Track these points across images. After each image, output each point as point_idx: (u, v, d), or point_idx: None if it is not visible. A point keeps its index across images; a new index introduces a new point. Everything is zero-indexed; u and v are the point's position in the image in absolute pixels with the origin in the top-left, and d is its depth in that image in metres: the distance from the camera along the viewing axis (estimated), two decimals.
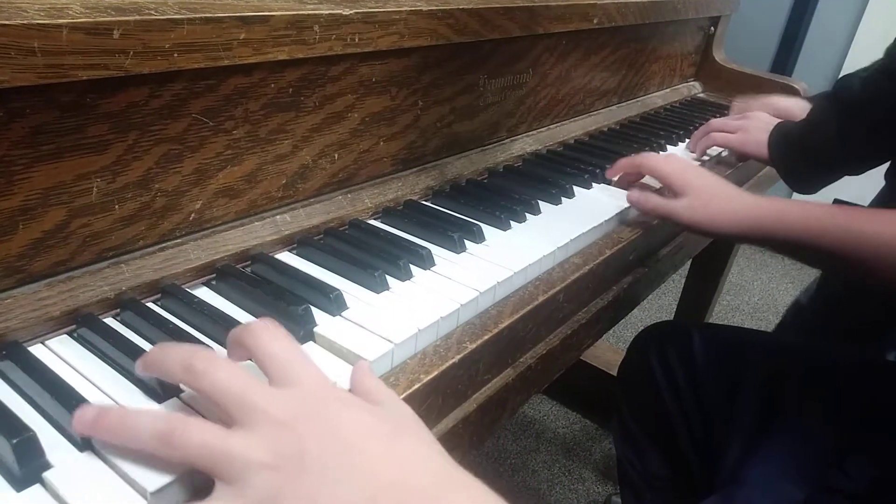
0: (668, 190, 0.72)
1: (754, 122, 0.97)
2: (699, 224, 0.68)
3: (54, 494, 0.33)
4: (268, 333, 0.36)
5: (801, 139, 0.88)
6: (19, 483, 0.33)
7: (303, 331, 0.46)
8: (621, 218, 0.73)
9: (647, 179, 0.79)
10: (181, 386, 0.39)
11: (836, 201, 2.29)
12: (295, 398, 0.33)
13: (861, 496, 0.60)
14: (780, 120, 0.95)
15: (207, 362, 0.34)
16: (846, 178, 0.93)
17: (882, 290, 0.63)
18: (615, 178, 0.82)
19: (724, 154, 1.01)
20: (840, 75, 0.94)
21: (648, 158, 0.75)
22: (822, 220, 0.62)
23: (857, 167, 0.87)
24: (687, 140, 1.05)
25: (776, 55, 2.34)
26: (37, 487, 0.33)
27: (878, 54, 0.86)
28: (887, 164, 0.90)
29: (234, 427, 0.32)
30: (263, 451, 0.31)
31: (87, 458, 0.35)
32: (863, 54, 0.91)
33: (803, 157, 0.88)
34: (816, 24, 2.27)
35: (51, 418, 0.37)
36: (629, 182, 0.80)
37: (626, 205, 0.74)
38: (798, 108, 1.06)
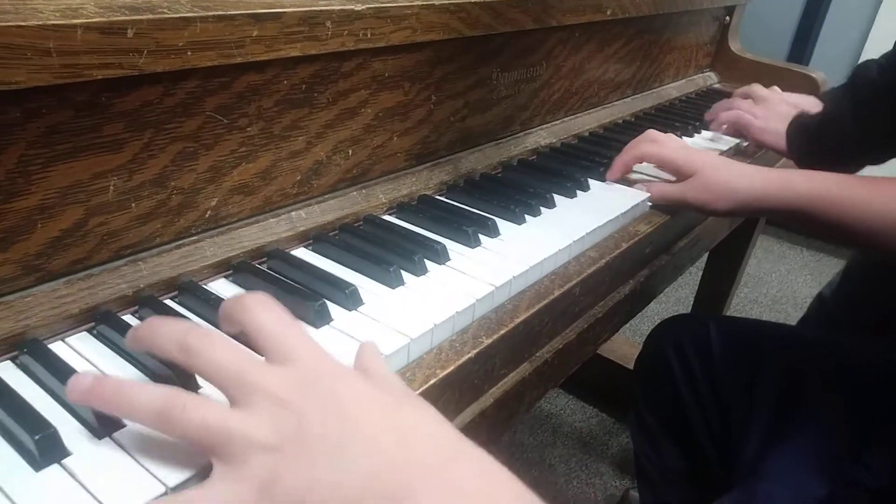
0: (672, 173, 0.73)
1: (775, 110, 0.96)
2: (707, 202, 0.69)
3: (72, 475, 0.33)
4: (261, 307, 0.35)
5: (818, 130, 0.88)
6: (38, 465, 0.34)
7: (319, 326, 0.46)
8: (637, 211, 0.72)
9: (646, 167, 0.79)
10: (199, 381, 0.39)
11: None
12: (293, 374, 0.33)
13: (883, 491, 0.59)
14: (798, 111, 0.94)
15: (203, 339, 0.33)
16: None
17: (890, 261, 0.62)
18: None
19: (744, 145, 1.00)
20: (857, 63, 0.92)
21: (641, 146, 0.75)
22: (831, 190, 0.61)
23: (878, 156, 0.85)
24: (703, 131, 1.04)
25: (792, 44, 2.31)
26: (56, 468, 0.34)
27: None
28: None
29: (233, 406, 0.32)
30: (264, 430, 0.30)
31: (107, 448, 0.35)
32: (881, 42, 0.90)
33: (822, 148, 0.87)
34: (833, 12, 2.24)
35: (72, 409, 0.37)
36: (625, 172, 0.79)
37: (642, 198, 0.73)
38: (810, 104, 1.04)
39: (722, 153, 0.95)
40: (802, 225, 0.68)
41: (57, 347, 0.43)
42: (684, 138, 0.99)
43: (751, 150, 1.00)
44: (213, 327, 0.46)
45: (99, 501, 0.32)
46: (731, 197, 0.68)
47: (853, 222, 0.60)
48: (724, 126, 1.01)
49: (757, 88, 1.06)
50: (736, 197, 0.68)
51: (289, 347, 0.34)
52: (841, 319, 1.12)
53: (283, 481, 0.29)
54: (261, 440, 0.30)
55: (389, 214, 0.66)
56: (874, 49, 1.03)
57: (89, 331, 0.45)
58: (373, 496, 0.29)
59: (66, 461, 0.34)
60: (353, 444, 0.30)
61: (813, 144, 0.88)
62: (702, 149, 0.94)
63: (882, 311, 1.05)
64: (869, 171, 0.87)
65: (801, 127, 0.90)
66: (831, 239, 0.89)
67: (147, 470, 0.34)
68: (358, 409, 0.32)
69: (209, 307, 0.47)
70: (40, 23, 0.36)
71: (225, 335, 0.34)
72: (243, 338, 0.36)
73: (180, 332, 0.33)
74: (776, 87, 1.09)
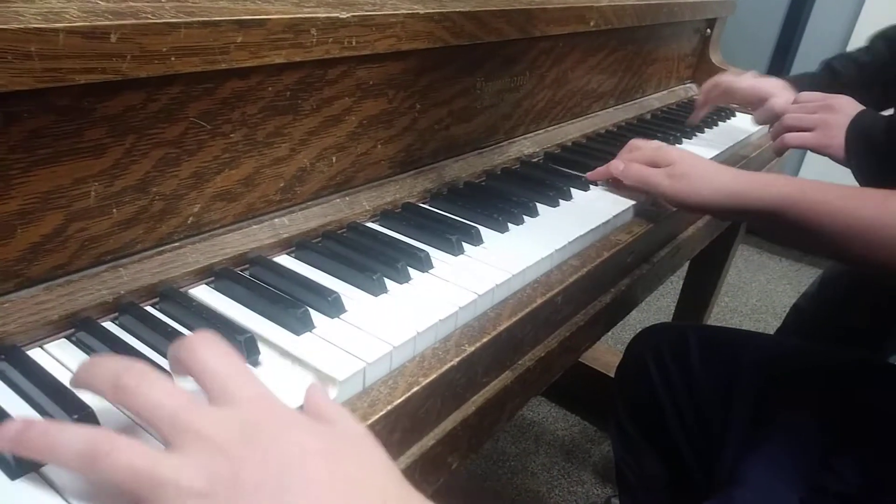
0: (652, 166, 0.73)
1: (837, 115, 0.85)
2: (682, 192, 0.69)
3: (49, 484, 0.33)
4: (205, 347, 0.33)
5: (888, 143, 0.77)
6: (14, 473, 0.33)
7: (301, 333, 0.46)
8: (619, 220, 0.73)
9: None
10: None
11: None
12: (233, 418, 0.31)
13: (853, 497, 0.60)
14: (863, 108, 0.85)
15: (138, 378, 0.31)
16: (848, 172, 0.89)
17: (860, 269, 0.62)
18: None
19: (729, 150, 1.00)
20: None
21: (623, 157, 0.76)
22: (807, 195, 0.61)
23: None
24: (685, 141, 1.05)
25: (772, 57, 2.34)
26: (33, 476, 0.33)
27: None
28: None
29: (167, 449, 0.30)
30: (195, 476, 0.28)
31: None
32: None
33: (888, 160, 0.77)
34: (812, 26, 2.27)
35: (51, 418, 0.37)
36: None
37: (624, 207, 0.74)
38: (778, 87, 1.01)
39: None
40: (776, 229, 0.66)
41: (36, 354, 0.42)
42: None
43: (741, 154, 1.00)
44: (191, 333, 0.45)
45: None
46: (706, 190, 0.67)
47: (826, 227, 0.60)
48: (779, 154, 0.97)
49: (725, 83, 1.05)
50: (710, 191, 0.67)
51: (233, 388, 0.32)
52: (817, 329, 1.13)
53: None
54: (192, 486, 0.28)
55: (373, 222, 0.66)
56: None
57: (68, 338, 0.44)
58: None
59: (44, 469, 0.34)
60: (288, 494, 0.29)
61: (881, 162, 0.78)
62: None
63: (856, 321, 1.06)
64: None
65: (863, 139, 0.79)
66: (804, 246, 0.86)
67: None
68: (300, 459, 0.30)
69: (190, 314, 0.47)
70: (22, 26, 0.36)
71: (163, 375, 0.32)
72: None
73: (115, 371, 0.32)
74: (753, 72, 1.06)
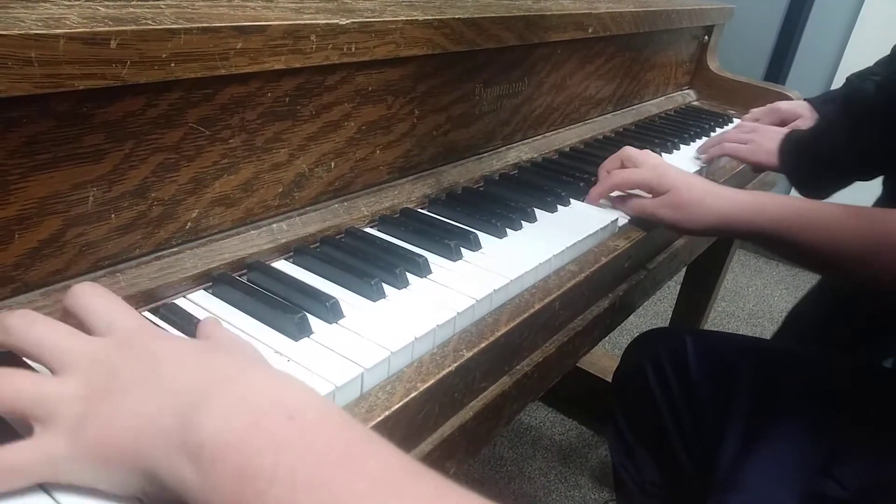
0: (647, 192, 0.74)
1: (764, 132, 0.99)
2: (681, 221, 0.69)
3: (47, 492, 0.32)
4: (88, 290, 0.37)
5: (811, 146, 0.89)
6: None
7: (299, 338, 0.46)
8: (616, 226, 0.73)
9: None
10: None
11: None
12: (112, 340, 0.34)
13: (852, 502, 0.60)
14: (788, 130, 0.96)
15: (21, 318, 0.34)
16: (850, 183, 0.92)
17: (857, 287, 0.64)
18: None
19: (739, 168, 1.01)
20: (832, 84, 0.95)
21: (614, 176, 0.75)
22: (805, 216, 0.62)
23: (870, 172, 0.87)
24: (682, 147, 1.05)
25: (769, 64, 2.35)
26: None
27: (870, 63, 0.86)
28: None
29: (53, 375, 0.33)
30: (75, 385, 0.31)
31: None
32: (855, 63, 0.93)
33: (814, 163, 0.88)
34: (809, 32, 2.28)
35: None
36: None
37: (621, 213, 0.74)
38: (801, 107, 1.07)
39: (700, 169, 0.96)
40: (774, 249, 0.68)
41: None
42: (663, 155, 1.01)
43: (735, 167, 1.02)
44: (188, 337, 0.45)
45: None
46: (704, 217, 0.68)
47: (823, 247, 0.61)
48: (714, 158, 1.01)
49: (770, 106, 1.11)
50: (708, 217, 0.68)
51: (111, 319, 0.35)
52: (814, 335, 1.14)
53: (90, 420, 0.30)
54: (71, 392, 0.31)
55: (371, 227, 0.66)
56: (849, 68, 1.06)
57: None
58: (171, 413, 0.30)
59: None
60: (158, 377, 0.31)
61: (805, 160, 0.90)
62: (680, 167, 0.95)
63: (853, 327, 1.07)
64: (855, 187, 0.89)
65: (793, 143, 0.92)
66: (803, 265, 0.91)
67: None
68: (170, 357, 0.33)
69: (186, 320, 0.47)
70: (22, 32, 0.36)
71: (45, 316, 0.35)
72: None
73: (2, 315, 0.35)
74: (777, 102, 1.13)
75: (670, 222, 0.71)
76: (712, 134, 1.15)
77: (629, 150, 0.77)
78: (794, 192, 0.92)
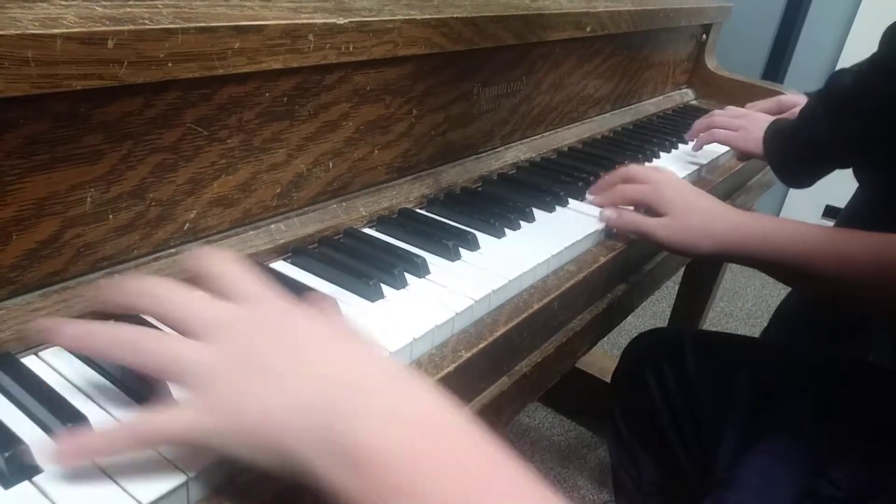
0: (646, 209, 0.71)
1: (754, 120, 1.00)
2: (678, 245, 0.66)
3: (43, 493, 0.33)
4: (216, 254, 0.39)
5: (793, 134, 0.91)
6: (7, 482, 0.33)
7: None
8: None
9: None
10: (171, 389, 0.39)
11: (829, 208, 2.31)
12: (247, 309, 0.36)
13: (846, 501, 0.60)
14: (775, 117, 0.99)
15: (159, 284, 0.37)
16: (838, 184, 0.94)
17: (855, 311, 0.64)
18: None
19: (721, 161, 1.01)
20: None
21: (622, 193, 0.73)
22: (807, 243, 0.61)
23: (848, 160, 0.89)
24: (681, 146, 1.05)
25: (767, 62, 2.35)
26: (26, 485, 0.33)
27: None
28: (849, 169, 0.93)
29: (196, 339, 0.34)
30: (222, 354, 0.33)
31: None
32: (853, 61, 0.93)
33: (795, 151, 0.91)
34: (807, 31, 2.29)
35: (44, 425, 0.37)
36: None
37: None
38: (801, 101, 1.09)
39: (700, 168, 0.96)
40: (776, 276, 0.68)
41: (30, 361, 0.42)
42: (662, 154, 1.01)
43: (736, 160, 1.02)
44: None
45: None
46: (705, 247, 0.66)
47: (820, 274, 0.60)
48: (704, 145, 1.02)
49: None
50: (709, 247, 0.66)
51: (244, 288, 0.37)
52: (802, 327, 1.15)
53: (242, 397, 0.32)
54: (219, 362, 0.33)
55: (370, 227, 0.66)
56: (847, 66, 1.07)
57: None
58: (319, 409, 0.31)
59: (36, 478, 0.33)
60: (304, 366, 0.33)
61: (787, 147, 0.92)
62: (680, 168, 0.95)
63: (839, 318, 1.08)
64: (835, 175, 0.91)
65: (776, 131, 0.94)
66: (804, 288, 0.93)
67: (120, 486, 0.33)
68: (314, 342, 0.34)
69: None
70: (19, 32, 0.36)
71: (176, 281, 0.37)
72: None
73: (143, 283, 0.38)
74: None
75: (667, 245, 0.68)
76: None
77: (633, 170, 0.74)
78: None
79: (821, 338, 1.10)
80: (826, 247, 0.61)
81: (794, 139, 0.90)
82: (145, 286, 0.37)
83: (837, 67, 2.20)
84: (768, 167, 1.06)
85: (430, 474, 0.29)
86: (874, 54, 0.80)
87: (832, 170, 0.91)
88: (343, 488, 0.30)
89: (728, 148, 1.05)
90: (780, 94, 1.26)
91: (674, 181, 0.72)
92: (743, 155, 1.02)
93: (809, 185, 0.94)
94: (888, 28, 0.76)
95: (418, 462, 0.29)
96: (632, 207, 0.73)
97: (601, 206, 0.73)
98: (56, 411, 0.36)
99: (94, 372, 0.42)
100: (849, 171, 0.94)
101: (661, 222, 0.67)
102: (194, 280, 0.39)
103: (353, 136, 0.63)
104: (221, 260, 0.38)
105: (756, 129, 0.97)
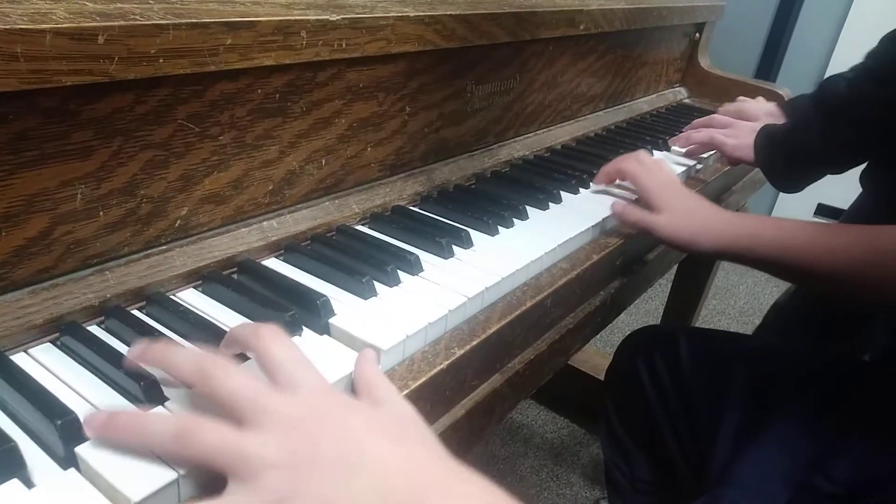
0: (642, 199, 0.73)
1: (745, 126, 1.00)
2: (679, 241, 0.69)
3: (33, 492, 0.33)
4: (274, 336, 0.38)
5: (785, 140, 0.91)
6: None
7: (291, 337, 0.46)
8: (608, 223, 0.73)
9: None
10: (166, 393, 0.39)
11: (820, 206, 2.32)
12: (303, 402, 0.35)
13: (842, 497, 0.60)
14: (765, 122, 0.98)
15: (219, 364, 0.36)
16: (830, 183, 0.95)
17: (851, 304, 0.64)
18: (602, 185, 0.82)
19: (711, 162, 1.02)
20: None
21: (628, 163, 0.76)
22: (798, 238, 0.63)
23: (840, 166, 0.89)
24: (675, 146, 1.05)
25: (760, 61, 2.36)
26: (15, 482, 0.33)
27: (860, 60, 0.87)
28: (860, 169, 0.93)
29: (244, 428, 0.33)
30: (277, 450, 0.32)
31: (68, 473, 0.34)
32: (845, 61, 0.93)
33: (787, 157, 0.91)
34: (800, 30, 2.29)
35: (31, 431, 0.36)
36: (609, 182, 0.81)
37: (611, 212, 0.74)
38: (763, 111, 1.08)
39: (690, 167, 0.96)
40: (771, 272, 0.68)
41: (20, 359, 0.41)
42: (655, 153, 1.01)
43: (717, 166, 1.02)
44: (181, 339, 0.45)
45: None
46: (705, 244, 0.68)
47: (816, 268, 0.61)
48: (695, 147, 1.02)
49: (736, 105, 1.10)
50: (708, 244, 0.67)
51: (297, 376, 0.36)
52: (795, 325, 1.15)
53: (298, 499, 0.31)
54: (276, 458, 0.32)
55: (362, 225, 0.66)
56: (839, 66, 1.07)
57: (53, 342, 0.44)
58: None
59: (27, 476, 0.33)
60: (365, 465, 0.32)
61: (779, 153, 0.92)
62: (672, 166, 0.95)
63: (832, 316, 1.08)
64: (828, 180, 0.91)
65: (767, 137, 0.94)
66: (799, 284, 0.94)
67: (110, 483, 0.33)
68: (367, 433, 0.34)
69: (177, 318, 0.47)
70: (7, 27, 0.36)
71: (239, 366, 0.37)
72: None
73: (196, 356, 0.37)
74: (761, 98, 1.15)
75: (668, 239, 0.69)
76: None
77: (643, 154, 0.77)
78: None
79: (814, 335, 1.11)
80: (815, 241, 0.62)
81: (786, 145, 0.90)
82: (194, 361, 0.36)
83: (829, 65, 2.22)
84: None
85: None
86: (868, 61, 0.80)
87: (824, 175, 0.91)
88: None
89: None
90: (774, 93, 1.26)
91: (674, 181, 0.74)
92: (732, 161, 1.01)
93: (801, 189, 0.94)
94: (884, 36, 0.77)
95: None
96: (635, 197, 0.75)
97: (611, 176, 0.77)
98: (44, 408, 0.36)
99: (85, 370, 0.41)
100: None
101: (663, 218, 0.70)
102: (230, 346, 0.40)
103: (345, 133, 0.63)
104: (272, 339, 0.38)
105: (747, 136, 0.97)
